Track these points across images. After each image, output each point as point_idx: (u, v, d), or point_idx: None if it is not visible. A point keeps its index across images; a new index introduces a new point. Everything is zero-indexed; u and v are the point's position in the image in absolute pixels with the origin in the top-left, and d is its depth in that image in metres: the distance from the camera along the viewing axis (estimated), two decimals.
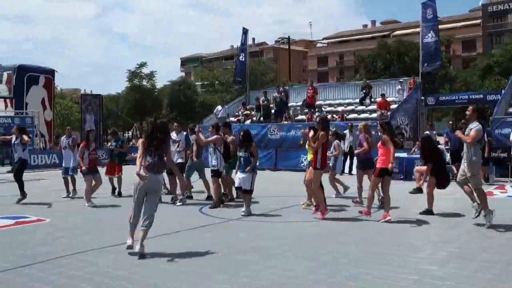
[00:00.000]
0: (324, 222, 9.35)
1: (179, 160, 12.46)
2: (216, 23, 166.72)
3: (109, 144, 16.68)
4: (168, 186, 12.89)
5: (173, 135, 12.45)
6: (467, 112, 9.05)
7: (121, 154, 13.86)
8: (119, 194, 13.44)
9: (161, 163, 7.14)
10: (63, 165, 13.69)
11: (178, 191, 12.31)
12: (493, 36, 66.16)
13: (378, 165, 9.62)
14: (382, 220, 9.14)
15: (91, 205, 11.68)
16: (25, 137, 12.66)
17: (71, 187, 13.47)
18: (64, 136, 14.18)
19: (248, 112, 27.61)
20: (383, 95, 24.23)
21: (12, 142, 12.68)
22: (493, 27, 66.30)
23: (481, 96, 24.15)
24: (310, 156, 10.62)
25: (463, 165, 8.87)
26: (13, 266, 6.21)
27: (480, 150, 9.10)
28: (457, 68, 56.93)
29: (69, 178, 13.44)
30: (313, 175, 9.89)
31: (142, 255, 6.69)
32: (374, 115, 22.80)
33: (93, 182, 12.13)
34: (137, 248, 6.76)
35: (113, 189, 13.79)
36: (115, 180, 13.71)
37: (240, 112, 27.95)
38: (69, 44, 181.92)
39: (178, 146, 12.59)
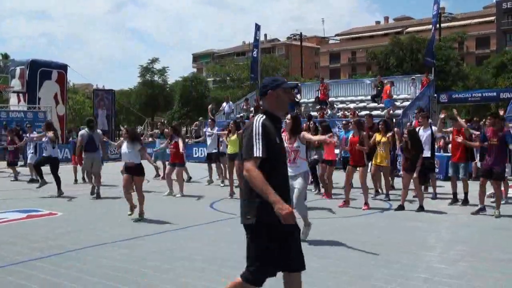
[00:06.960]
0: (332, 220, 9.34)
1: (215, 150, 14.81)
2: (229, 19, 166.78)
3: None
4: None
5: (208, 129, 15.18)
6: None
7: None
8: None
9: None
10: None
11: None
12: (507, 33, 65.48)
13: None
14: None
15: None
16: (50, 133, 12.87)
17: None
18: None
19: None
20: (392, 83, 23.98)
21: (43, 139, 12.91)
22: (507, 24, 65.55)
23: (494, 93, 24.02)
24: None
25: None
26: (26, 259, 6.27)
27: None
28: (471, 65, 56.33)
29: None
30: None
31: None
32: (385, 112, 22.65)
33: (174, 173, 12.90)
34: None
35: None
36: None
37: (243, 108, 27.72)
38: (84, 39, 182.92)
39: (211, 139, 14.87)
